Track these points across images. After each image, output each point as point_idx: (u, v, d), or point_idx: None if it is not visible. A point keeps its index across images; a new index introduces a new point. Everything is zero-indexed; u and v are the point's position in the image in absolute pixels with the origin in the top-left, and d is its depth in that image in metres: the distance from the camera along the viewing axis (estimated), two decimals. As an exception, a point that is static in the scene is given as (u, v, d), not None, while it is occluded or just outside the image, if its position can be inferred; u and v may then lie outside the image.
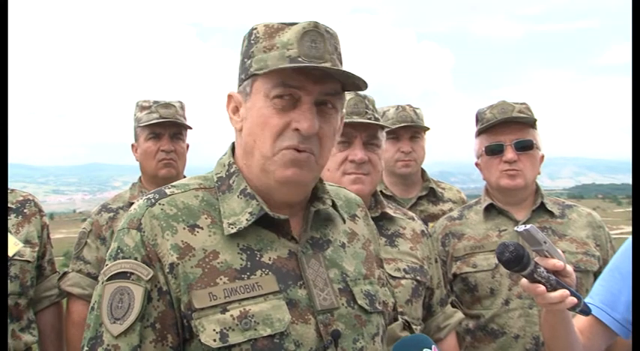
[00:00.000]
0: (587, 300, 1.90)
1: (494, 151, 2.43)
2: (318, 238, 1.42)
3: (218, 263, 1.29)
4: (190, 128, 2.96)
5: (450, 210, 2.97)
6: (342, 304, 1.35)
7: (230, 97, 1.41)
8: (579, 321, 1.88)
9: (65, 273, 2.78)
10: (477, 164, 2.55)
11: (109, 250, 1.34)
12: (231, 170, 1.40)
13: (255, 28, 1.36)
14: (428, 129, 3.19)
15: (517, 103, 2.45)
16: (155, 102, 2.90)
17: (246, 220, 1.33)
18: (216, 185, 1.40)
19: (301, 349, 1.27)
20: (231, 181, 1.39)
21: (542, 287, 1.57)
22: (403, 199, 3.15)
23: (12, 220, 2.66)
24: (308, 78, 1.30)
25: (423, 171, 3.29)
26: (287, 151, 1.30)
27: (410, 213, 2.31)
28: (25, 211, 2.71)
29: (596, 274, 2.28)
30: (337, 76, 1.32)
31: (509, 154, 2.39)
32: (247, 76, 1.35)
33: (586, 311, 1.67)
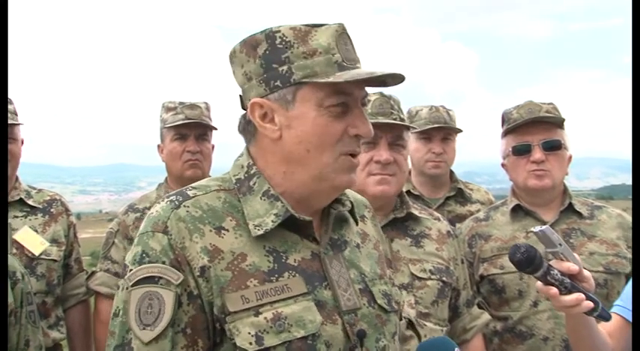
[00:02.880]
0: (618, 302, 1.87)
1: (521, 151, 2.40)
2: (337, 238, 1.42)
3: (247, 266, 1.28)
4: (216, 129, 2.97)
5: (478, 211, 2.94)
6: (364, 304, 1.36)
7: (255, 104, 1.33)
8: (609, 324, 1.84)
9: (93, 272, 2.82)
10: (503, 165, 2.52)
11: (131, 255, 1.29)
12: (252, 172, 1.37)
13: (278, 31, 1.30)
14: (460, 131, 3.19)
15: (544, 103, 2.42)
16: (181, 103, 2.92)
17: (272, 221, 1.31)
18: (235, 187, 1.38)
19: (331, 349, 1.28)
20: (251, 183, 1.36)
21: (554, 289, 1.56)
22: (431, 200, 3.14)
23: (39, 219, 2.70)
24: (356, 85, 1.31)
25: (451, 172, 3.28)
26: (346, 158, 1.33)
27: (436, 213, 2.30)
28: (51, 210, 2.75)
29: (628, 276, 2.25)
30: (377, 78, 1.32)
31: (537, 154, 2.35)
32: (287, 83, 1.30)
33: (604, 316, 1.63)
